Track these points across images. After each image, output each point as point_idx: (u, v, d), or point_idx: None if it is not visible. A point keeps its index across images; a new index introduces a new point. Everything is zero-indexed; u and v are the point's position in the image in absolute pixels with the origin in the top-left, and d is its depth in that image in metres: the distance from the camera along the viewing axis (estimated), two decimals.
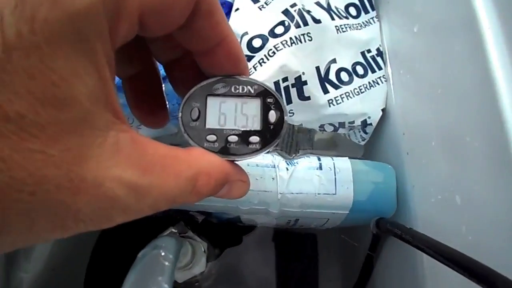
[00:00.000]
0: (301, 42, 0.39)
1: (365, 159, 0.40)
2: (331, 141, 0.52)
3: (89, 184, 0.12)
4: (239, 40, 0.39)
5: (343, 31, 0.43)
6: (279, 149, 0.40)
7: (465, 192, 0.30)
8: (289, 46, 0.38)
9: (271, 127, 0.20)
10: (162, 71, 0.22)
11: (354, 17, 0.46)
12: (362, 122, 0.43)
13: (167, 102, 0.23)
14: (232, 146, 0.19)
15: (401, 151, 0.40)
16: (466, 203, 0.30)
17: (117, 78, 0.18)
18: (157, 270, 0.32)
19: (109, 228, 0.14)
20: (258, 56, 0.38)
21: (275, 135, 0.20)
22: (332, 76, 0.42)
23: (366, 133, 0.45)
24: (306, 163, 0.37)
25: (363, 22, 0.46)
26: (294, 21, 0.39)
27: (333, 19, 0.43)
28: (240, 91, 0.20)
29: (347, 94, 0.42)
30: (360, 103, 0.42)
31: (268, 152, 0.36)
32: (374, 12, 0.47)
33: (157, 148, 0.15)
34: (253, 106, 0.20)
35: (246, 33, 0.40)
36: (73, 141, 0.12)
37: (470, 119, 0.29)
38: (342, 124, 0.43)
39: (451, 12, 0.32)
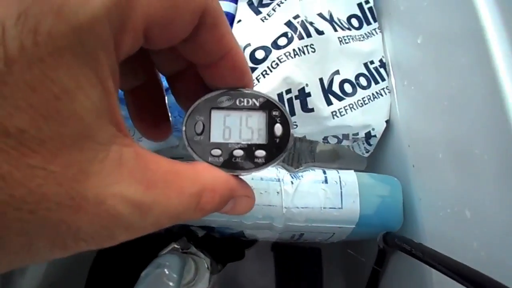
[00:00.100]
0: (304, 53, 0.39)
1: (368, 172, 0.40)
2: (334, 152, 0.51)
3: (90, 202, 0.12)
4: None
5: (346, 43, 0.43)
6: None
7: (475, 206, 0.29)
8: (292, 58, 0.38)
9: (277, 140, 0.19)
10: (164, 82, 0.22)
11: (356, 29, 0.46)
12: (366, 134, 0.42)
13: (170, 115, 0.23)
14: (237, 160, 0.19)
15: (407, 164, 0.40)
16: (477, 217, 0.29)
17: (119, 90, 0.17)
18: None
19: None
20: (261, 67, 0.38)
21: (281, 149, 0.19)
22: (335, 88, 0.41)
23: (370, 145, 0.44)
24: (311, 177, 0.36)
25: (365, 34, 0.46)
26: (297, 33, 0.39)
27: (335, 30, 0.42)
28: (245, 104, 0.19)
29: (351, 105, 0.42)
30: (364, 115, 0.42)
31: (273, 166, 0.36)
32: (376, 23, 0.47)
33: (160, 163, 0.15)
34: (259, 120, 0.19)
35: (249, 44, 0.39)
36: (74, 157, 0.11)
37: (478, 131, 0.29)
38: (346, 136, 0.43)
39: (457, 23, 0.32)
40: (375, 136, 0.43)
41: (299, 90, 0.38)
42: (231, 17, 0.42)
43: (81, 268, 0.47)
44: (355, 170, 0.39)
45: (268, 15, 0.42)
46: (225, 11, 0.42)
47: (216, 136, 0.19)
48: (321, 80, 0.40)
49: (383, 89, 0.44)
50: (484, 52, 0.28)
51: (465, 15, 0.30)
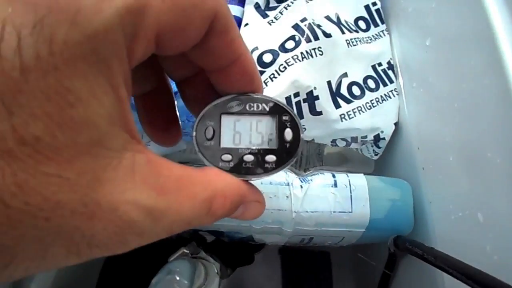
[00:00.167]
0: (312, 56, 0.39)
1: (377, 175, 0.39)
2: (341, 155, 0.51)
3: (104, 209, 0.12)
4: None
5: (354, 45, 0.43)
6: None
7: (487, 209, 0.29)
8: (300, 61, 0.38)
9: (287, 145, 0.19)
10: (173, 86, 0.22)
11: (363, 31, 0.46)
12: (375, 136, 0.42)
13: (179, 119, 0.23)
14: (247, 165, 0.19)
15: (416, 166, 0.39)
16: (490, 221, 0.28)
17: None
18: None
19: None
20: (269, 71, 0.38)
21: (291, 154, 0.19)
22: (343, 91, 0.41)
23: (379, 147, 0.44)
24: (320, 180, 0.36)
25: (373, 36, 0.46)
26: (305, 36, 0.39)
27: (343, 33, 0.42)
28: (255, 109, 0.19)
29: (359, 108, 0.41)
30: (373, 117, 0.42)
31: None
32: (384, 25, 0.47)
33: (172, 168, 0.15)
34: (269, 124, 0.19)
35: (256, 48, 0.39)
36: (88, 164, 0.11)
37: (490, 134, 0.28)
38: (354, 139, 0.42)
39: (467, 24, 0.32)
40: (384, 138, 0.42)
41: (307, 93, 0.38)
42: (238, 21, 0.42)
43: (90, 273, 0.47)
44: (365, 174, 0.38)
45: (275, 18, 0.42)
46: None
47: (226, 141, 0.19)
48: (329, 83, 0.40)
49: (391, 91, 0.44)
50: (496, 54, 0.27)
51: (475, 16, 0.30)
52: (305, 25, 0.40)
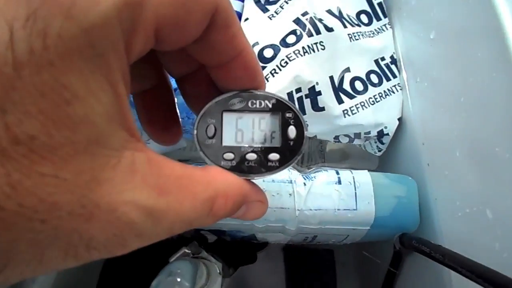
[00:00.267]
0: (313, 51, 0.38)
1: (381, 171, 0.39)
2: (343, 152, 0.50)
3: (102, 210, 0.11)
4: None
5: (356, 39, 0.42)
6: None
7: (496, 205, 0.28)
8: (301, 56, 0.37)
9: (291, 143, 0.19)
10: (173, 83, 0.21)
11: (366, 25, 0.45)
12: (378, 132, 0.41)
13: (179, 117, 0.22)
14: (250, 164, 0.18)
15: (421, 162, 0.39)
16: (499, 217, 0.28)
17: None
18: None
19: None
20: (270, 66, 0.37)
21: (295, 152, 0.19)
22: (346, 86, 0.40)
23: (382, 143, 0.43)
24: (324, 178, 0.35)
25: (375, 30, 0.45)
26: (306, 30, 0.38)
27: (345, 27, 0.41)
28: (257, 106, 0.19)
29: (362, 103, 0.41)
30: (376, 113, 0.41)
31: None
32: (386, 19, 0.46)
33: (173, 168, 0.14)
34: (272, 122, 0.19)
35: (257, 43, 0.39)
36: (86, 163, 0.11)
37: (498, 129, 0.28)
38: (357, 135, 0.42)
39: (473, 17, 0.31)
40: (387, 134, 0.42)
41: (309, 89, 0.37)
42: (238, 16, 0.42)
43: (91, 275, 0.47)
44: (369, 170, 0.37)
45: (276, 12, 0.42)
46: None
47: (228, 139, 0.18)
48: (331, 78, 0.39)
49: (394, 86, 0.43)
50: (504, 46, 0.27)
51: (482, 7, 0.29)
52: (306, 19, 0.39)
